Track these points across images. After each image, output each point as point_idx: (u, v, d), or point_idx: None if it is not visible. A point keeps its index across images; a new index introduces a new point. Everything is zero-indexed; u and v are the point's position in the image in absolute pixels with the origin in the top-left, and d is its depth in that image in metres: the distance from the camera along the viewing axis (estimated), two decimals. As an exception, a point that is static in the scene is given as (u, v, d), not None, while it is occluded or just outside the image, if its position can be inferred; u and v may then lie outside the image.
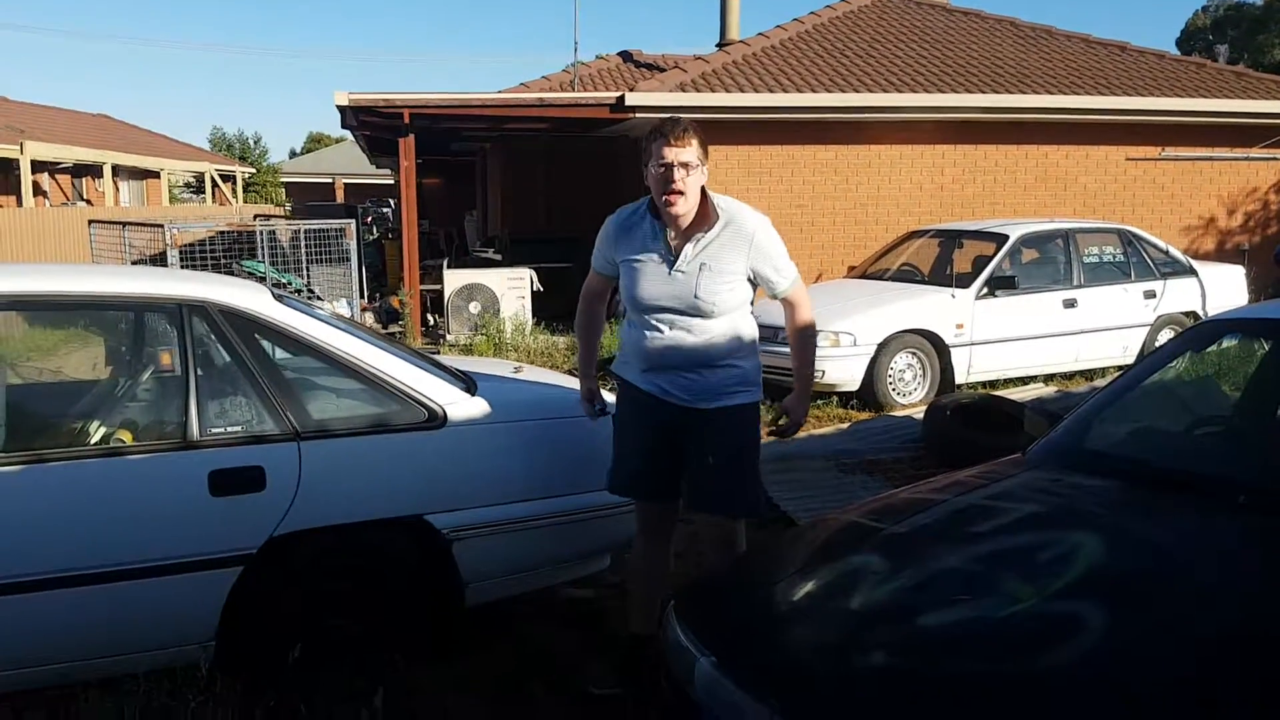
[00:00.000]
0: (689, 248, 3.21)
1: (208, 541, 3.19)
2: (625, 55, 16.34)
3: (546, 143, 14.63)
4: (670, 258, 3.22)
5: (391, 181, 31.06)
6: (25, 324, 4.09)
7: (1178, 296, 9.24)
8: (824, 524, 2.96)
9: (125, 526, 3.11)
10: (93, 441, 3.24)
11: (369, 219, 22.22)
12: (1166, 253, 9.46)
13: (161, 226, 9.60)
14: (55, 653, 3.11)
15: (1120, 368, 3.08)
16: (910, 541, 2.67)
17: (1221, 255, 11.94)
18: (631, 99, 11.22)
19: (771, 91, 11.46)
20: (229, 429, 3.29)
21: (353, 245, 10.71)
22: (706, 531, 3.49)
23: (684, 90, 11.43)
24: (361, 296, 12.06)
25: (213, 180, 27.91)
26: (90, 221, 11.97)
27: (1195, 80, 12.69)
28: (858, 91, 11.55)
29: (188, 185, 31.31)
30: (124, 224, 10.67)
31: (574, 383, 4.07)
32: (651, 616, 3.40)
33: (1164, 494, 2.71)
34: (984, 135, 11.97)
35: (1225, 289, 9.51)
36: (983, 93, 11.70)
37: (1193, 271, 9.36)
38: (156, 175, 26.44)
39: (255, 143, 42.88)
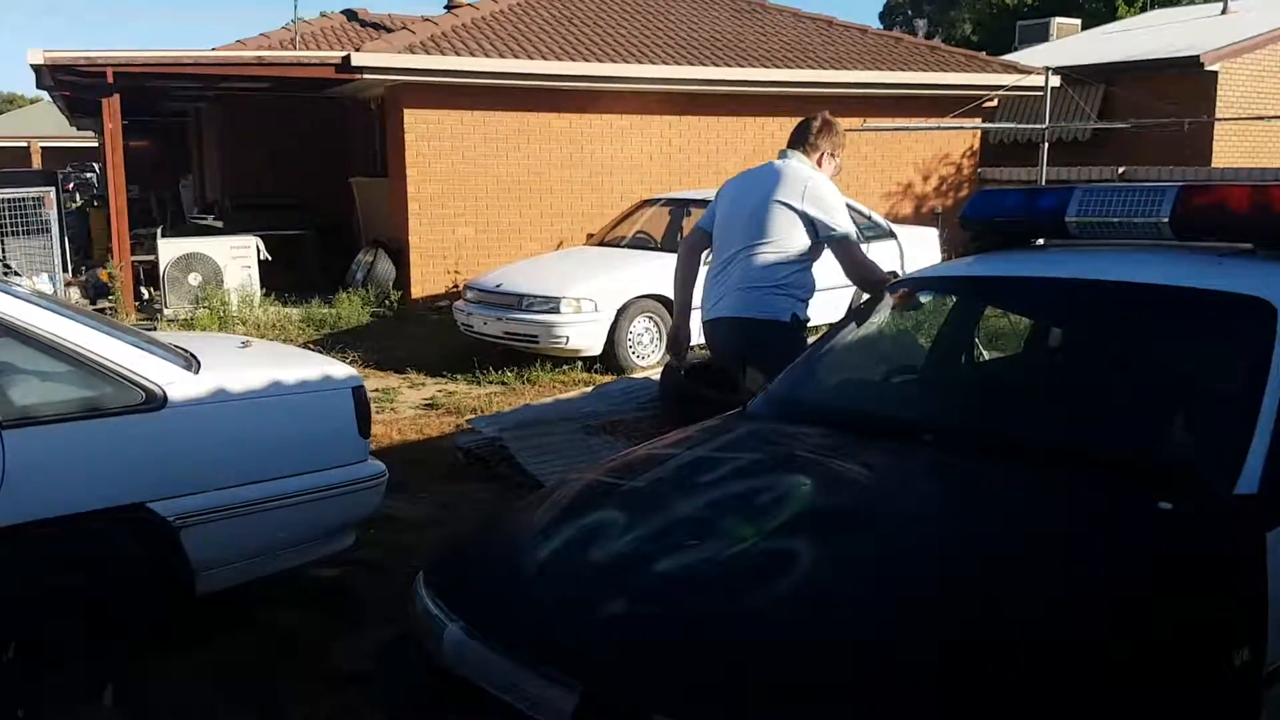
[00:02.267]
0: None
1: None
2: (350, 14, 15.74)
3: (268, 103, 13.89)
4: None
5: (96, 144, 28.42)
6: None
7: (879, 257, 9.92)
8: (567, 485, 3.07)
9: None
10: None
11: (70, 185, 20.25)
12: (869, 217, 10.27)
13: None
14: None
15: (830, 325, 3.40)
16: (646, 495, 2.83)
17: (918, 219, 13.13)
18: (358, 59, 10.87)
19: (503, 57, 11.44)
20: None
21: (53, 215, 9.86)
22: None
23: (413, 52, 11.19)
24: (65, 270, 11.08)
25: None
26: None
27: (894, 54, 13.81)
28: (587, 61, 11.74)
29: None
30: None
31: (306, 357, 3.98)
32: None
33: (865, 437, 3.02)
34: (707, 106, 12.52)
35: (921, 250, 10.44)
36: (704, 65, 12.22)
37: (892, 234, 10.21)
38: None
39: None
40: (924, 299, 3.92)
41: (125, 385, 3.35)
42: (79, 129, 23.41)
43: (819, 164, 4.23)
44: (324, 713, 3.22)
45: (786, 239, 4.06)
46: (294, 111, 13.99)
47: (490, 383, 8.28)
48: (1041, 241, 3.58)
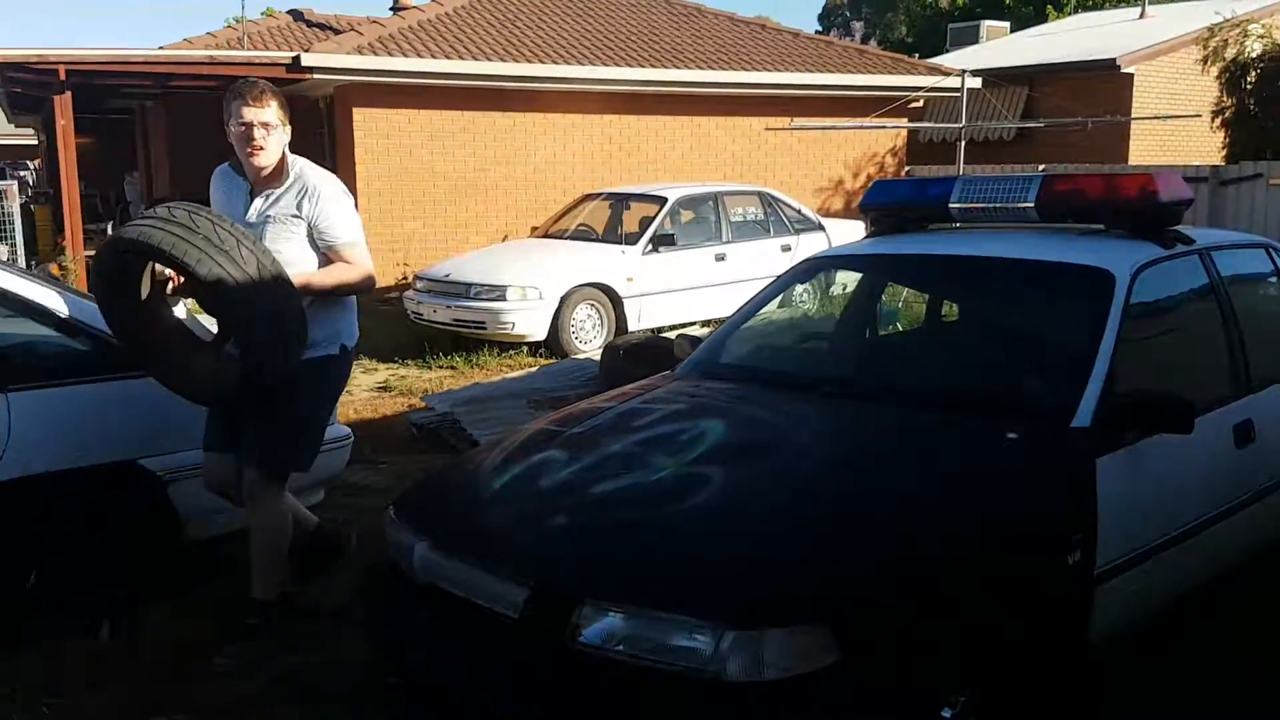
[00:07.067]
0: (258, 202, 3.45)
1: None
2: (296, 14, 15.98)
3: (216, 101, 14.08)
4: (246, 212, 3.46)
5: (33, 141, 28.01)
6: None
7: (810, 249, 10.56)
8: (517, 433, 3.53)
9: None
10: None
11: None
12: (800, 211, 10.86)
13: None
14: None
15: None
16: (585, 438, 3.30)
17: (847, 213, 13.73)
18: (308, 59, 11.19)
19: (449, 58, 11.83)
20: None
21: (16, 207, 9.90)
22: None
23: (361, 53, 11.53)
24: (16, 264, 11.18)
25: None
26: None
27: (824, 56, 14.44)
28: (530, 62, 12.19)
29: None
30: None
31: None
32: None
33: (771, 390, 3.53)
34: (646, 106, 13.03)
35: (848, 241, 11.05)
36: (642, 66, 12.73)
37: (821, 227, 10.82)
38: None
39: None
40: (828, 275, 4.45)
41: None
42: (17, 126, 23.22)
43: None
44: (306, 639, 3.63)
45: None
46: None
47: (440, 367, 8.68)
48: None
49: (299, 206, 3.41)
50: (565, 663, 2.42)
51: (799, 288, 4.22)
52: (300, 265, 3.39)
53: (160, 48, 13.10)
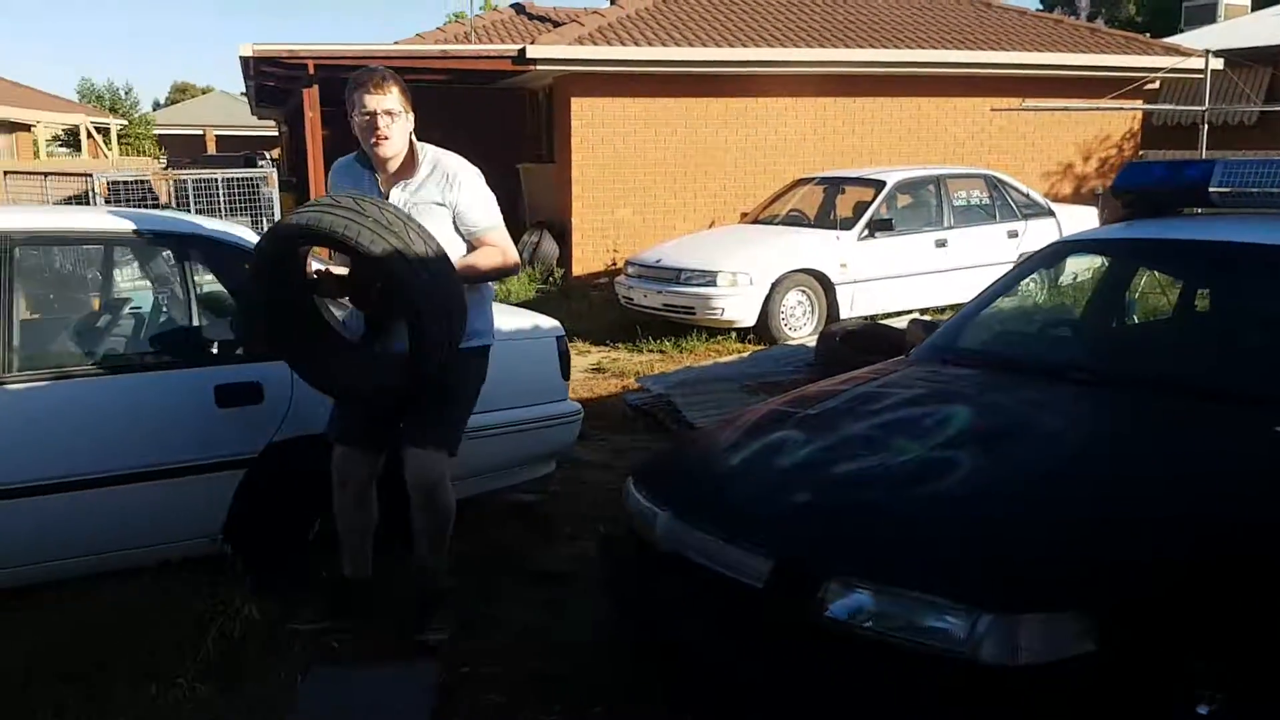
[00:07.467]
0: (397, 192, 3.33)
1: (216, 447, 3.65)
2: (518, 8, 16.57)
3: (441, 94, 14.83)
4: None
5: (272, 133, 30.37)
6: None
7: (1038, 235, 10.13)
8: (749, 412, 3.57)
9: (145, 434, 3.54)
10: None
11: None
12: (1028, 196, 10.40)
13: (90, 176, 9.61)
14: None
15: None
16: (822, 419, 3.31)
17: (1078, 198, 13.04)
18: (533, 51, 11.59)
19: (665, 46, 11.98)
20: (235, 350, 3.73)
21: (275, 193, 10.73)
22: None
23: (582, 44, 11.85)
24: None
25: (88, 132, 26.89)
26: (4, 173, 11.92)
27: (1053, 35, 13.72)
28: (745, 46, 12.17)
29: (56, 138, 30.03)
30: (45, 175, 10.61)
31: (517, 311, 4.55)
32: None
33: (1017, 375, 3.42)
34: (862, 88, 12.75)
35: (1080, 228, 10.48)
36: (860, 48, 12.47)
37: (1051, 213, 10.31)
38: (26, 128, 25.33)
39: (126, 93, 41.15)
40: (1074, 260, 4.25)
41: None
42: (260, 118, 25.19)
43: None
44: (538, 601, 3.81)
45: None
46: (464, 102, 14.89)
47: (650, 350, 8.85)
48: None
49: (442, 194, 3.35)
50: (809, 634, 2.46)
51: (1040, 272, 4.05)
52: (453, 253, 3.30)
53: (395, 43, 13.90)
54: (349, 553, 3.56)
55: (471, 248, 3.41)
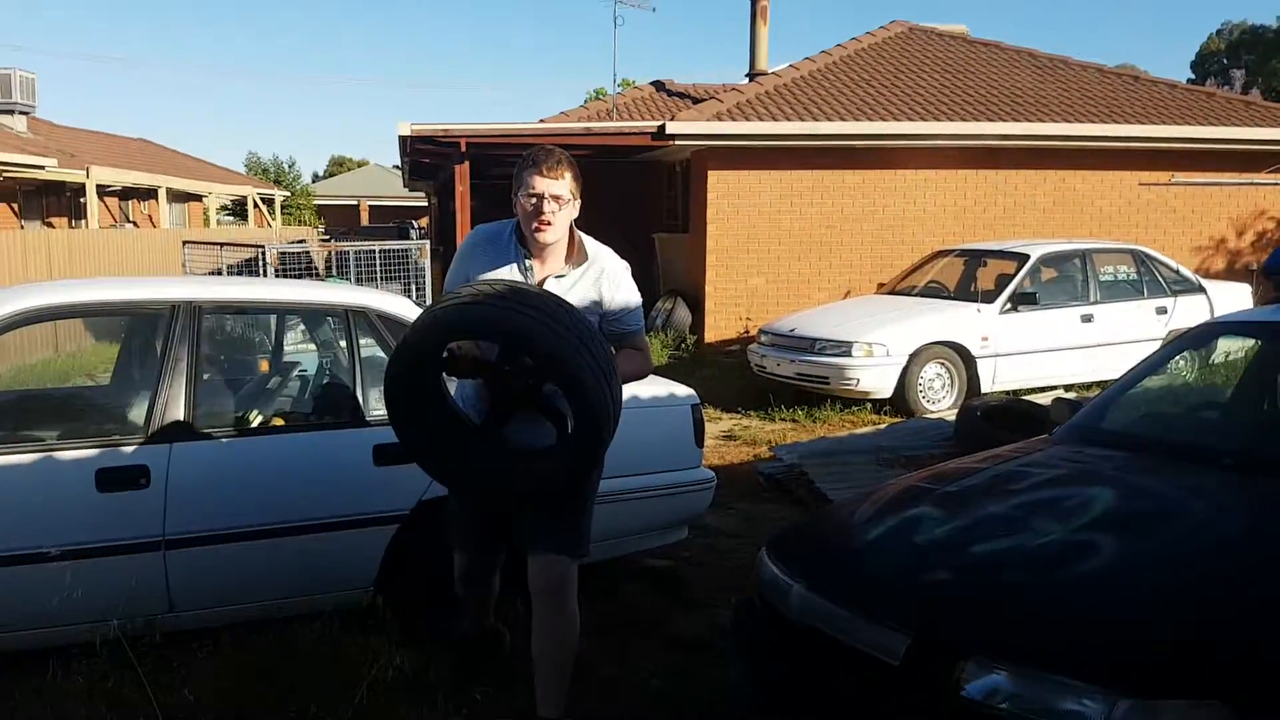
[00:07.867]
0: (554, 283, 3.12)
1: (373, 503, 3.89)
2: (658, 85, 17.09)
3: (583, 167, 15.37)
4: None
5: (421, 203, 31.93)
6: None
7: (1188, 312, 9.81)
8: (886, 487, 3.59)
9: (310, 489, 3.80)
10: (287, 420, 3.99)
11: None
12: (1177, 271, 10.06)
13: (262, 247, 10.39)
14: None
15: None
16: (960, 497, 3.30)
17: (1230, 274, 12.51)
18: (672, 128, 11.94)
19: (803, 120, 12.15)
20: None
21: (427, 264, 11.22)
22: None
23: (720, 119, 12.13)
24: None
25: (254, 203, 28.84)
26: (185, 242, 12.97)
27: (1204, 109, 13.32)
28: (883, 120, 12.23)
29: (224, 208, 32.29)
30: (221, 244, 11.50)
31: (653, 379, 4.66)
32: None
33: (1165, 459, 3.35)
34: (1004, 160, 12.62)
35: (1232, 305, 10.05)
36: (1003, 121, 12.36)
37: (1202, 289, 9.94)
38: (198, 198, 27.38)
39: (289, 166, 44.14)
40: (1224, 342, 4.14)
41: None
42: (411, 190, 26.57)
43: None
44: (670, 666, 3.87)
45: None
46: (602, 173, 15.39)
47: (782, 419, 8.88)
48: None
49: (598, 291, 3.16)
50: (945, 713, 2.46)
51: (1191, 354, 3.96)
52: None
53: (540, 120, 14.53)
54: (471, 612, 3.64)
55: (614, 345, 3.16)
